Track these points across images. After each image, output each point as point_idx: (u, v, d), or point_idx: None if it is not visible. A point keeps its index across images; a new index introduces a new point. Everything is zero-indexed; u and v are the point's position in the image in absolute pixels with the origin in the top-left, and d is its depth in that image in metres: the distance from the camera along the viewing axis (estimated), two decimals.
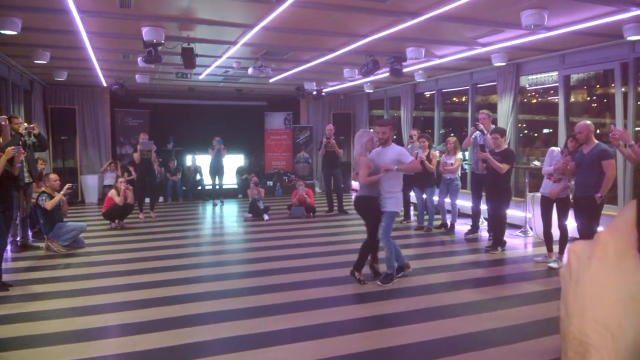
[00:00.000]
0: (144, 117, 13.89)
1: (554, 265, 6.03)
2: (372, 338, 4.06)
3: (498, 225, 6.97)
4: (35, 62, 8.09)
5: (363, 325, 4.35)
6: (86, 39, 6.83)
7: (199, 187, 12.83)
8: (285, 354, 3.76)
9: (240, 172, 13.33)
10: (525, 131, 10.21)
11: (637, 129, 6.87)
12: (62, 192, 7.11)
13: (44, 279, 5.72)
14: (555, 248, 6.14)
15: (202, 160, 12.68)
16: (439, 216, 8.69)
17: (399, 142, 9.72)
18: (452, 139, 8.49)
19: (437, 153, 8.68)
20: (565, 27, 6.07)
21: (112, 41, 7.34)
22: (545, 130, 10.21)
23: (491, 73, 9.15)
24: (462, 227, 8.38)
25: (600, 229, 5.30)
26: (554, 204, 6.04)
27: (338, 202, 10.37)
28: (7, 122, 5.77)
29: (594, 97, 8.97)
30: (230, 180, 12.79)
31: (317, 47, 7.81)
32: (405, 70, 8.50)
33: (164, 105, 14.60)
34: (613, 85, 7.19)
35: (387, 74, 8.49)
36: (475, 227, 8.02)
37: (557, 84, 8.17)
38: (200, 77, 10.71)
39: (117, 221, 8.80)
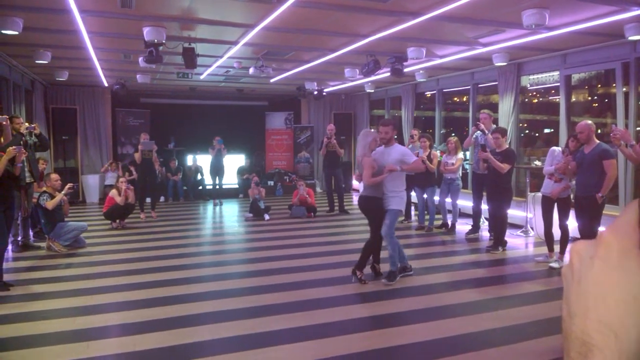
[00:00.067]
0: (145, 117, 13.90)
1: (554, 265, 6.02)
2: (373, 338, 4.06)
3: (499, 225, 6.97)
4: (37, 62, 8.09)
5: (363, 325, 4.35)
6: (87, 39, 6.83)
7: (200, 187, 12.84)
8: (286, 353, 3.76)
9: (241, 172, 13.33)
10: (527, 131, 10.20)
11: (638, 128, 6.86)
12: (63, 192, 7.12)
13: (44, 278, 5.72)
14: (556, 248, 6.13)
15: (203, 160, 12.69)
16: (440, 216, 8.68)
17: (400, 142, 9.71)
18: (453, 138, 8.49)
19: (438, 153, 8.68)
20: (567, 27, 6.06)
21: (113, 41, 7.34)
22: (547, 130, 10.21)
23: (492, 73, 9.14)
24: (463, 227, 8.38)
25: (601, 229, 5.31)
26: (555, 204, 6.04)
27: (339, 202, 10.36)
28: (8, 122, 5.77)
29: (595, 97, 8.96)
30: (231, 180, 12.80)
31: (318, 47, 7.81)
32: (406, 70, 8.49)
33: (165, 105, 14.61)
34: (614, 85, 7.18)
35: (388, 74, 8.48)
36: (476, 227, 8.02)
37: (558, 84, 8.16)
38: (201, 77, 10.72)
39: (118, 221, 8.81)
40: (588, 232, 5.32)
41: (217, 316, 4.48)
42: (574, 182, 5.91)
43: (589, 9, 5.39)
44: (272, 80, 11.27)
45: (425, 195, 8.50)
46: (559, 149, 6.27)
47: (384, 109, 13.53)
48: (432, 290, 5.25)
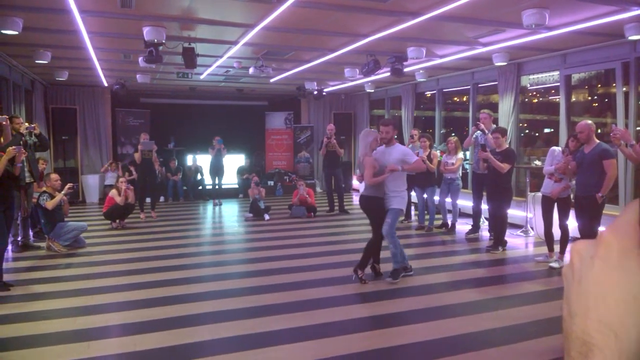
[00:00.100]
0: (145, 117, 13.90)
1: (554, 265, 6.02)
2: (373, 338, 4.06)
3: (499, 225, 6.97)
4: (37, 62, 8.09)
5: (363, 325, 4.35)
6: (87, 39, 6.83)
7: (200, 187, 12.84)
8: (286, 353, 3.76)
9: (241, 171, 13.33)
10: (527, 131, 10.20)
11: (638, 128, 6.86)
12: (63, 192, 7.12)
13: (44, 278, 5.72)
14: (556, 248, 6.13)
15: (203, 160, 12.68)
16: (440, 216, 8.68)
17: (400, 142, 9.70)
18: (453, 138, 8.49)
19: (438, 153, 8.68)
20: (567, 27, 6.06)
21: (113, 41, 7.34)
22: (547, 130, 10.21)
23: (492, 73, 9.14)
24: (463, 226, 8.38)
25: (601, 228, 5.31)
26: (555, 204, 6.04)
27: (339, 201, 10.36)
28: (8, 122, 5.77)
29: (595, 97, 8.96)
30: (231, 180, 12.80)
31: (317, 47, 7.81)
32: (406, 70, 8.49)
33: (165, 105, 14.61)
34: (614, 84, 7.18)
35: (388, 74, 8.48)
36: (476, 227, 8.02)
37: (558, 84, 8.16)
38: (201, 77, 10.72)
39: (118, 221, 8.81)
40: (588, 232, 5.32)
41: (217, 316, 4.48)
42: (574, 182, 5.91)
43: (588, 8, 5.39)
44: (272, 80, 11.27)
45: (425, 195, 8.50)
46: (559, 148, 6.27)
47: (384, 108, 13.53)
48: (432, 290, 5.25)
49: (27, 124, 7.03)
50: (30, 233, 7.62)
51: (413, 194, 8.84)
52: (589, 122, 5.52)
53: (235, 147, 13.13)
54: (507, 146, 6.97)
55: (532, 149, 9.77)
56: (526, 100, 9.64)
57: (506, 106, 8.81)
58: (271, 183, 13.72)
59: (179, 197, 12.61)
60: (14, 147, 5.24)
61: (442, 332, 4.11)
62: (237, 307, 4.71)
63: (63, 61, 8.81)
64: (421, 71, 9.93)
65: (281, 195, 13.30)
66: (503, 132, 6.93)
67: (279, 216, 9.98)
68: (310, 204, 9.99)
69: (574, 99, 8.33)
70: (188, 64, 7.34)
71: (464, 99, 11.32)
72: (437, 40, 7.21)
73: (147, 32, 6.22)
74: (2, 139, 5.55)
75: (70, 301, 4.89)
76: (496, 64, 8.22)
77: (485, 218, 8.08)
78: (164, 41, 6.42)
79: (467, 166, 9.86)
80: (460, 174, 8.56)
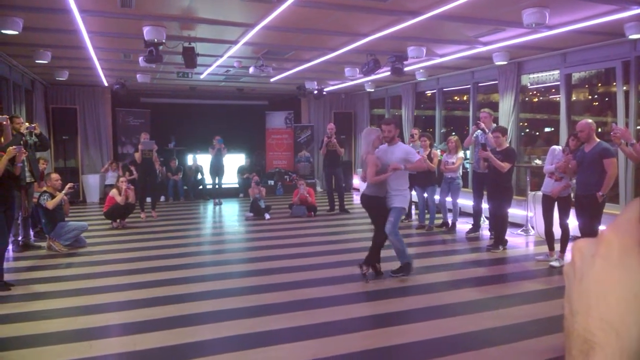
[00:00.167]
0: (145, 117, 13.90)
1: (555, 264, 6.02)
2: (373, 337, 4.06)
3: (499, 224, 6.97)
4: (37, 61, 8.09)
5: (364, 324, 4.35)
6: (87, 39, 6.83)
7: (200, 187, 12.84)
8: (286, 353, 3.77)
9: (241, 171, 13.33)
10: (527, 130, 10.20)
11: (638, 127, 6.86)
12: (63, 192, 7.12)
13: (45, 278, 5.73)
14: (557, 247, 6.13)
15: (203, 160, 12.68)
16: (440, 215, 8.68)
17: (401, 141, 9.71)
18: (453, 137, 8.48)
19: (438, 152, 8.68)
20: (567, 26, 6.06)
21: (113, 41, 7.34)
22: (547, 129, 10.21)
23: (492, 72, 9.14)
24: (464, 226, 8.38)
25: (601, 227, 5.30)
26: (556, 203, 6.03)
27: (339, 201, 10.36)
28: (9, 121, 5.77)
29: (596, 96, 8.97)
30: (231, 179, 12.80)
31: (318, 47, 7.81)
32: (406, 69, 8.48)
33: (165, 105, 14.61)
34: (614, 83, 7.18)
35: (388, 73, 8.48)
36: (476, 226, 8.01)
37: (558, 83, 8.16)
38: (202, 77, 10.72)
39: (118, 221, 8.81)
40: (588, 230, 5.32)
41: (217, 315, 4.49)
42: (574, 181, 5.91)
43: (589, 7, 5.39)
44: (272, 80, 11.27)
45: (425, 195, 8.50)
46: (560, 147, 6.27)
47: (384, 108, 13.53)
48: (433, 289, 5.25)
49: (27, 123, 7.03)
50: (31, 233, 7.62)
51: (413, 193, 8.84)
52: (590, 121, 5.52)
53: (235, 147, 13.13)
54: (508, 145, 6.98)
55: (533, 148, 9.77)
56: (526, 99, 9.64)
57: (506, 105, 8.81)
58: (271, 182, 13.72)
59: (179, 197, 12.61)
60: (14, 147, 5.24)
61: (442, 331, 4.11)
62: (237, 307, 4.72)
63: (63, 61, 8.81)
64: (421, 70, 9.93)
65: (281, 194, 13.30)
66: (503, 131, 6.93)
67: (280, 215, 9.98)
68: (310, 203, 9.99)
69: (574, 98, 8.33)
70: (188, 64, 7.34)
71: (464, 98, 11.32)
72: (437, 40, 7.21)
73: (147, 32, 6.22)
74: (2, 139, 5.55)
75: (71, 301, 4.89)
76: (496, 63, 8.22)
77: (486, 217, 8.08)
78: (164, 41, 6.42)
79: (467, 165, 9.86)
80: (461, 173, 8.56)
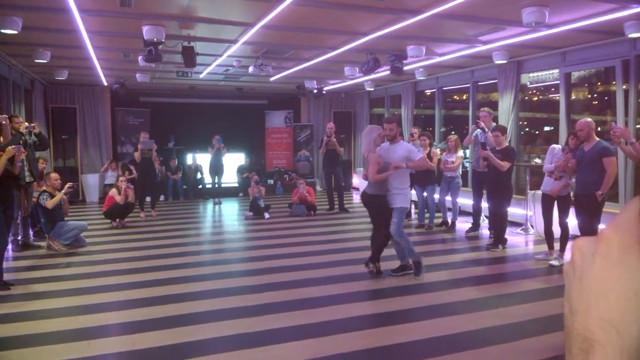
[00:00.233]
0: (145, 116, 13.90)
1: (554, 262, 6.03)
2: (373, 336, 4.07)
3: (499, 223, 6.97)
4: (36, 61, 8.08)
5: (364, 323, 4.36)
6: (87, 38, 6.82)
7: (200, 186, 12.84)
8: (286, 352, 3.77)
9: (241, 170, 13.33)
10: (527, 129, 10.20)
11: (638, 126, 6.86)
12: (63, 191, 7.11)
13: (45, 278, 5.72)
14: (556, 246, 6.13)
15: (202, 159, 12.68)
16: (440, 214, 8.68)
17: None
18: (453, 136, 8.48)
19: (438, 151, 8.68)
20: (566, 25, 6.06)
21: (112, 40, 7.33)
22: (546, 128, 10.22)
23: (492, 71, 9.13)
24: (463, 225, 8.38)
25: (601, 226, 5.31)
26: (555, 202, 6.04)
27: (339, 200, 10.37)
28: (8, 121, 5.77)
29: (595, 95, 8.97)
30: (230, 178, 12.80)
31: (317, 46, 7.80)
32: (406, 68, 8.49)
33: (165, 104, 14.60)
34: (614, 82, 7.18)
35: (388, 72, 8.47)
36: (476, 225, 8.01)
37: (558, 82, 8.16)
38: (201, 76, 10.71)
39: (118, 220, 8.81)
40: (588, 229, 5.32)
41: (217, 314, 4.49)
42: (573, 179, 5.91)
43: (588, 6, 5.39)
44: (271, 79, 11.27)
45: (425, 193, 8.50)
46: (559, 146, 6.27)
47: (384, 107, 13.53)
48: (432, 288, 5.26)
49: (26, 123, 7.01)
50: (31, 232, 7.62)
51: (413, 192, 8.84)
52: (589, 119, 5.52)
53: (235, 146, 13.13)
54: (507, 144, 6.98)
55: (532, 147, 9.77)
56: (526, 98, 9.64)
57: (506, 104, 8.81)
58: (271, 182, 13.72)
59: (179, 196, 12.61)
60: (13, 146, 5.24)
61: (442, 330, 4.12)
62: (237, 306, 4.72)
63: (62, 60, 8.81)
64: (421, 69, 9.92)
65: (281, 193, 13.30)
66: (503, 130, 6.93)
67: (279, 215, 9.98)
68: (310, 202, 10.00)
69: (573, 97, 8.33)
70: (187, 63, 7.34)
71: (464, 97, 11.32)
72: (437, 39, 7.20)
73: (147, 31, 6.21)
74: (1, 139, 5.55)
75: (71, 300, 4.89)
76: (496, 62, 8.22)
77: (485, 216, 8.08)
78: (163, 40, 6.41)
79: (467, 164, 9.86)
80: (460, 172, 8.56)
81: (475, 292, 5.12)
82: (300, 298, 4.93)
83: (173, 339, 3.96)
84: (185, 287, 5.33)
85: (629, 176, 6.83)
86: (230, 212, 10.95)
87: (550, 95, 9.37)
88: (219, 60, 8.80)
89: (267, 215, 9.69)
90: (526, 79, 9.19)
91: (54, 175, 7.32)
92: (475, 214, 8.02)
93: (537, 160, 8.51)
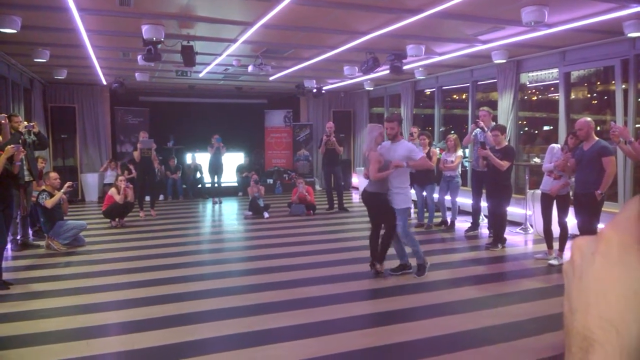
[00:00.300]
0: (144, 116, 13.89)
1: (554, 262, 6.03)
2: (373, 335, 4.07)
3: (498, 222, 6.97)
4: (35, 60, 8.08)
5: (364, 323, 4.36)
6: (86, 37, 6.82)
7: (199, 185, 12.83)
8: (286, 351, 3.77)
9: (240, 169, 13.33)
10: (526, 128, 10.21)
11: (637, 125, 6.87)
12: (62, 191, 7.11)
13: (44, 277, 5.72)
14: (556, 245, 6.14)
15: (202, 159, 12.67)
16: (439, 213, 8.68)
17: None
18: (452, 136, 8.48)
19: (437, 150, 8.68)
20: (566, 24, 6.06)
21: (111, 39, 7.33)
22: (546, 128, 10.22)
23: (491, 70, 9.14)
24: (463, 224, 8.38)
25: (600, 226, 5.31)
26: (554, 201, 6.04)
27: (338, 199, 10.37)
28: (7, 120, 5.78)
29: (595, 94, 8.97)
30: (230, 178, 12.80)
31: (317, 45, 7.80)
32: (405, 67, 8.49)
33: (164, 104, 14.59)
34: (613, 82, 7.18)
35: (388, 72, 8.48)
36: (475, 225, 8.02)
37: (557, 81, 8.16)
38: (200, 75, 10.70)
39: (117, 219, 8.81)
40: (587, 229, 5.32)
41: (217, 314, 4.49)
42: (573, 179, 5.91)
43: (588, 6, 5.39)
44: (271, 78, 11.26)
45: (424, 193, 8.50)
46: (558, 146, 6.27)
47: (384, 106, 13.53)
48: (432, 288, 5.26)
49: (26, 122, 7.01)
50: (30, 232, 7.62)
51: (412, 191, 8.84)
52: (588, 119, 5.52)
53: (234, 145, 13.13)
54: (507, 144, 6.98)
55: (532, 147, 9.77)
56: (525, 97, 9.64)
57: (505, 104, 8.81)
58: (270, 181, 13.72)
59: (178, 196, 12.61)
60: (12, 145, 5.24)
61: (442, 329, 4.12)
62: (237, 305, 4.72)
63: (62, 59, 8.80)
64: (420, 69, 9.92)
65: (280, 193, 13.29)
66: (502, 129, 6.93)
67: (279, 214, 9.98)
68: (309, 201, 10.00)
69: (573, 97, 8.33)
70: (187, 62, 7.33)
71: (463, 96, 11.32)
72: (437, 38, 7.20)
73: (146, 30, 6.20)
74: (1, 138, 5.55)
75: (70, 299, 4.89)
76: (495, 62, 8.22)
77: (485, 215, 8.09)
78: (162, 39, 6.41)
79: (466, 164, 9.86)
80: (460, 172, 8.56)
81: (475, 292, 5.12)
82: (299, 297, 4.93)
83: (172, 338, 3.96)
84: (185, 286, 5.33)
85: (628, 175, 6.84)
86: (230, 212, 10.95)
87: (549, 95, 9.38)
88: (219, 60, 8.79)
89: (266, 215, 9.68)
90: (525, 78, 9.19)
91: (53, 174, 7.31)
92: (475, 213, 8.02)
93: (537, 160, 8.51)
